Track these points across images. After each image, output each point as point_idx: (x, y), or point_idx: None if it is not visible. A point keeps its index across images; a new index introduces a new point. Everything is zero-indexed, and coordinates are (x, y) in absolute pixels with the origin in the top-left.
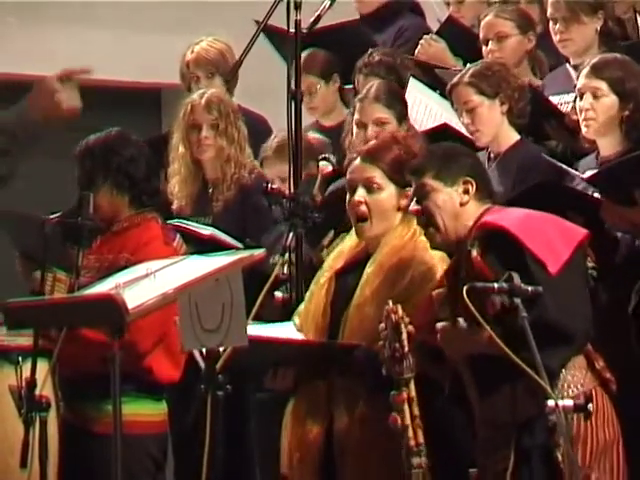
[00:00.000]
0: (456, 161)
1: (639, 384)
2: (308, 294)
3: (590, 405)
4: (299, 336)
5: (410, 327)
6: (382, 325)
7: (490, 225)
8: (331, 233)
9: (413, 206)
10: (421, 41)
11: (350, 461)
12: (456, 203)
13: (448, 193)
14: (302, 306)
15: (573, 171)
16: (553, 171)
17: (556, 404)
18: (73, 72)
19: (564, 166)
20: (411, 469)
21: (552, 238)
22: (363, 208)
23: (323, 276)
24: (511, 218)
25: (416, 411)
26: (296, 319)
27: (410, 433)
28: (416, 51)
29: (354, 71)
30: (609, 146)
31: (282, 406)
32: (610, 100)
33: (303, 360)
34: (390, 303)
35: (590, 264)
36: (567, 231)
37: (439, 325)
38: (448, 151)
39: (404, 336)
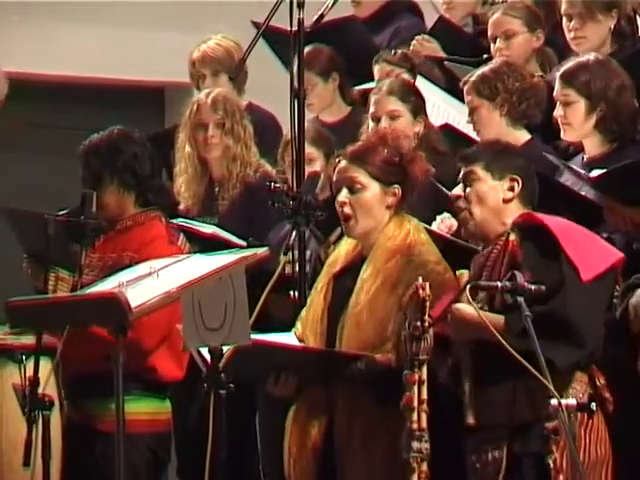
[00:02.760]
0: (508, 157)
1: (637, 406)
2: (308, 300)
3: (593, 404)
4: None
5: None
6: (405, 300)
7: (533, 218)
8: (338, 230)
9: (457, 190)
10: (413, 41)
11: (349, 465)
12: (499, 198)
13: (493, 186)
14: (303, 312)
15: (579, 169)
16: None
17: (559, 403)
18: None
19: (572, 165)
20: (410, 453)
21: (591, 250)
22: (347, 209)
23: (321, 281)
24: (554, 220)
25: (424, 395)
26: (298, 325)
27: (415, 416)
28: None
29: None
30: (593, 147)
31: (285, 406)
32: (579, 106)
33: (306, 367)
34: (420, 279)
35: (617, 292)
36: (605, 249)
37: (454, 305)
38: (503, 146)
39: (427, 316)
